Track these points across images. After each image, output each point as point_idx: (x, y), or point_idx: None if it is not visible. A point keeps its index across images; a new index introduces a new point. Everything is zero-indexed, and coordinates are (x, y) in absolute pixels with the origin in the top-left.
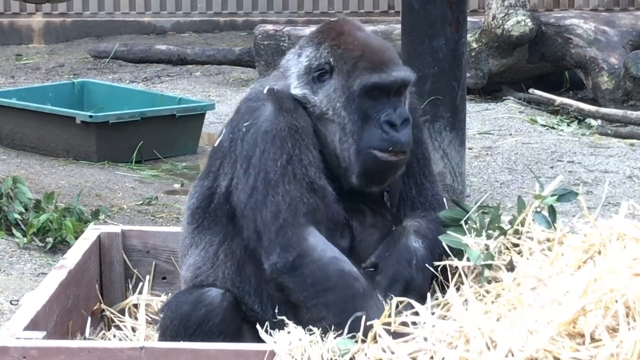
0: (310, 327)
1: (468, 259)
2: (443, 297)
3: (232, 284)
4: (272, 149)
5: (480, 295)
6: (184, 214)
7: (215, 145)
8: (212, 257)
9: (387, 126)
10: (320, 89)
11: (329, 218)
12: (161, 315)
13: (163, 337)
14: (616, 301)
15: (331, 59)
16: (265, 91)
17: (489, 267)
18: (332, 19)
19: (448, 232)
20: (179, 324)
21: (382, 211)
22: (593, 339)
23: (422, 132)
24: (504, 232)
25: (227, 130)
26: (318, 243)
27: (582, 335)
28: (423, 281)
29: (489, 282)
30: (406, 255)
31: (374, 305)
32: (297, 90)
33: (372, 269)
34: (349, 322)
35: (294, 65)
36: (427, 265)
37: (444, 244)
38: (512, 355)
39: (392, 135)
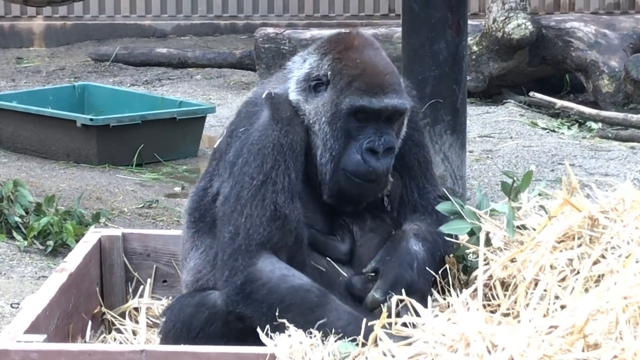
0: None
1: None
2: (444, 300)
3: None
4: (253, 164)
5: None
6: (183, 217)
7: (215, 146)
8: (212, 261)
9: (368, 153)
10: (312, 99)
11: (296, 240)
12: (163, 319)
13: (165, 341)
14: (611, 308)
15: (329, 72)
16: (264, 95)
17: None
18: (345, 30)
19: (451, 221)
20: (181, 327)
21: (382, 215)
22: (595, 346)
23: (423, 135)
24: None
25: (226, 133)
26: (266, 265)
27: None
28: (424, 284)
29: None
30: (407, 259)
31: (332, 309)
32: (293, 94)
33: (373, 274)
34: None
35: (297, 70)
36: (427, 268)
37: (449, 238)
38: None
39: (370, 163)
